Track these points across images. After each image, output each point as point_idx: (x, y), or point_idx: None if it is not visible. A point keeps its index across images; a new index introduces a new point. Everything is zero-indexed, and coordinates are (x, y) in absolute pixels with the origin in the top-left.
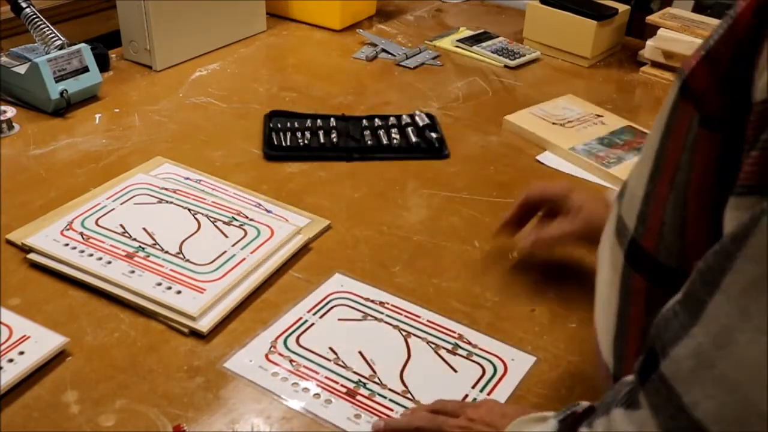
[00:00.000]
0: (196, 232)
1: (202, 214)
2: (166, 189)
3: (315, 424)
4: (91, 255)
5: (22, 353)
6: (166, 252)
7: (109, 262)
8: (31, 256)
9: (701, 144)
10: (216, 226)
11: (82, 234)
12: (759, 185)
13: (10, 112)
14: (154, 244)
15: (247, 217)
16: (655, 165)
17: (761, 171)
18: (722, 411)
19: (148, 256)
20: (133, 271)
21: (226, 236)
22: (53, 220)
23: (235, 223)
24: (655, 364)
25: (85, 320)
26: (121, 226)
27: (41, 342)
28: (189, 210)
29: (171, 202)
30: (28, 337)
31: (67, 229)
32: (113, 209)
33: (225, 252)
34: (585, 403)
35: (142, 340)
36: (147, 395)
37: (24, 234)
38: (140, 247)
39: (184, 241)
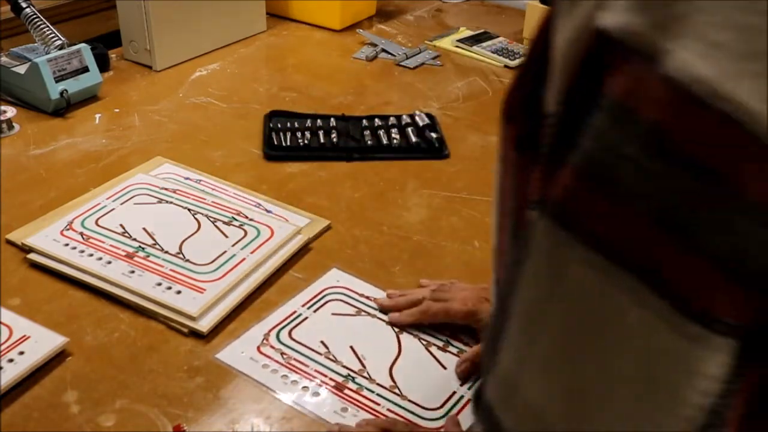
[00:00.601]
0: (196, 232)
1: (202, 214)
2: (166, 189)
3: (315, 425)
4: (91, 255)
5: (22, 353)
6: (166, 252)
7: (109, 262)
8: (31, 256)
9: (518, 168)
10: (216, 226)
11: (82, 234)
12: (536, 201)
13: (10, 112)
14: (154, 244)
15: (247, 217)
16: (498, 193)
17: (540, 186)
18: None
19: (148, 256)
20: (133, 271)
21: (226, 236)
22: (53, 220)
23: (235, 223)
24: (482, 389)
25: (85, 320)
26: (121, 226)
27: (41, 342)
28: (189, 210)
29: (171, 202)
30: (28, 337)
31: (67, 229)
32: (113, 209)
33: (225, 252)
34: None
35: (142, 340)
36: (147, 395)
37: (24, 234)
38: (140, 247)
39: (184, 241)
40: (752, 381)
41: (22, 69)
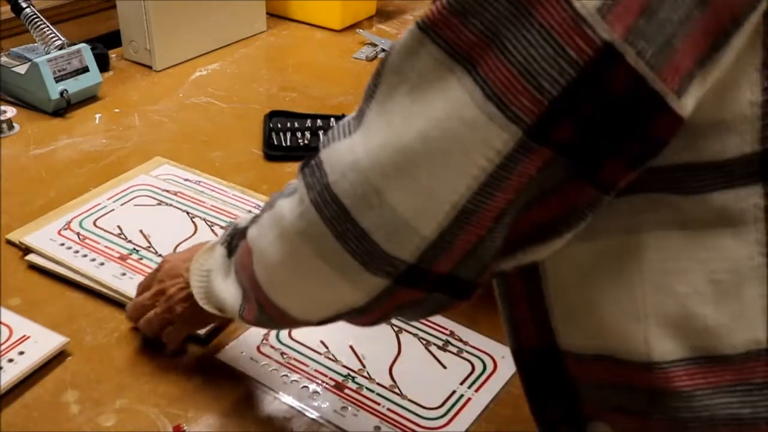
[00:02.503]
0: (192, 235)
1: (200, 217)
2: (167, 191)
3: (315, 424)
4: (85, 256)
5: (22, 353)
6: (159, 255)
7: (102, 264)
8: (30, 257)
9: None
10: (213, 231)
11: (78, 234)
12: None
13: (10, 112)
14: (149, 247)
15: None
16: None
17: None
18: (353, 189)
19: (141, 259)
20: (124, 274)
21: None
22: (53, 220)
23: None
24: (316, 154)
25: (85, 320)
26: (119, 227)
27: (41, 342)
28: (187, 213)
29: (171, 205)
30: (28, 337)
31: (65, 229)
32: (113, 210)
33: None
34: (246, 218)
35: (142, 340)
36: (147, 395)
37: (24, 234)
38: (134, 249)
39: (179, 244)
40: (529, 169)
41: (22, 69)
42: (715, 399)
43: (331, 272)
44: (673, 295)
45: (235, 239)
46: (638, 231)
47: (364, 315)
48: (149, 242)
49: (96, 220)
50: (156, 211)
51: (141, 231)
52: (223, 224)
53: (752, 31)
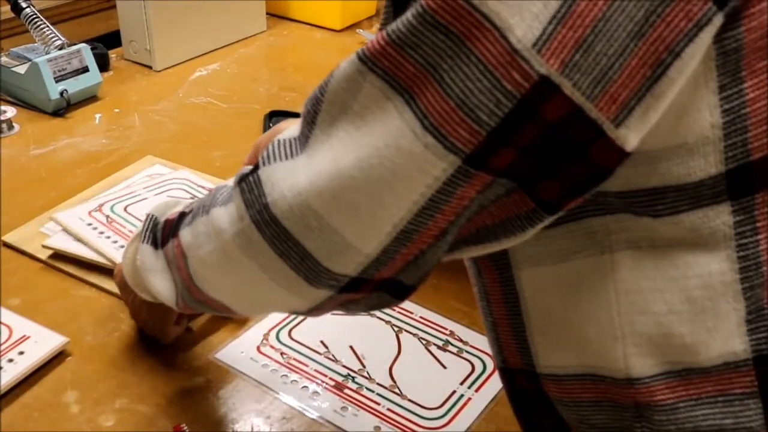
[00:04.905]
0: None
1: None
2: (203, 187)
3: (315, 424)
4: (108, 237)
5: (22, 353)
6: None
7: (123, 246)
8: (48, 242)
9: None
10: None
11: (108, 217)
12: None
13: (10, 112)
14: None
15: None
16: None
17: None
18: (291, 211)
19: None
20: None
21: None
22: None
23: None
24: (254, 171)
25: (85, 320)
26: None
27: (41, 342)
28: None
29: None
30: (28, 337)
31: (96, 210)
32: (146, 198)
33: None
34: (161, 209)
35: (142, 340)
36: (147, 395)
37: (22, 235)
38: None
39: None
40: (469, 193)
41: (22, 69)
42: (698, 410)
43: (274, 285)
44: (649, 314)
45: (159, 233)
46: (612, 251)
47: (307, 314)
48: None
49: (127, 206)
50: None
51: None
52: None
53: (705, 57)
